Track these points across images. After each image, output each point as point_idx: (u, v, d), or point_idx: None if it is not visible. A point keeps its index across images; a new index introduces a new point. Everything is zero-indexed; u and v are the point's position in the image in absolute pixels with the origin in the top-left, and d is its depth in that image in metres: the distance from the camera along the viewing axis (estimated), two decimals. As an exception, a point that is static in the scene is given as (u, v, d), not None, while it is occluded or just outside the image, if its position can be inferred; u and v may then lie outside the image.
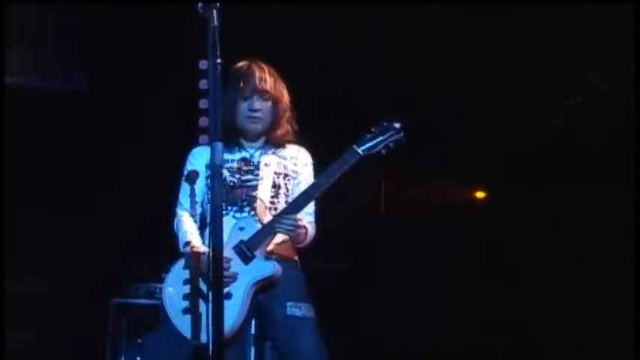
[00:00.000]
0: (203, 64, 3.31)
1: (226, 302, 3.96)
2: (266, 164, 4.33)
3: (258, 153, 4.39)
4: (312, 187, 4.19)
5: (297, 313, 4.16)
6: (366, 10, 6.59)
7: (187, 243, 4.21)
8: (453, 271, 7.39)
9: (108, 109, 7.01)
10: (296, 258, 4.39)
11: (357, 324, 6.86)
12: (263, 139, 4.42)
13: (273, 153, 4.39)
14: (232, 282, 4.10)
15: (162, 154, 4.90)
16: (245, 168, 4.34)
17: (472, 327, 7.28)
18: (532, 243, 7.11)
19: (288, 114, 4.41)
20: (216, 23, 3.27)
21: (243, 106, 4.32)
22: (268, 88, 4.31)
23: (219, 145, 3.21)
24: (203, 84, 3.31)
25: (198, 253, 4.07)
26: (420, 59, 6.99)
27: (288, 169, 4.38)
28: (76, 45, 7.33)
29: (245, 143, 4.41)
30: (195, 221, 4.32)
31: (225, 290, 4.05)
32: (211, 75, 3.23)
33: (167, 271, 4.35)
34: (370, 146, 4.14)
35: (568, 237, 6.89)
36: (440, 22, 6.79)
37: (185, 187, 4.37)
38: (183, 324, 4.08)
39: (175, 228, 4.40)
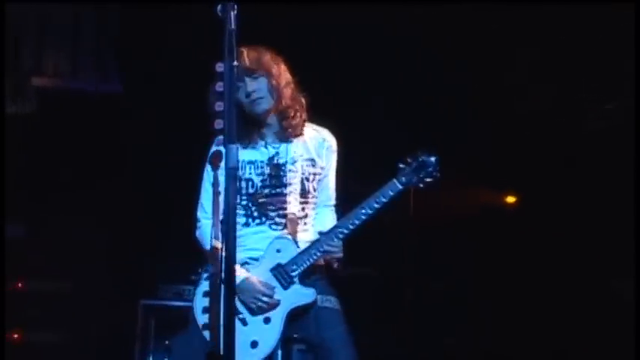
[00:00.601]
0: (220, 67, 3.27)
1: (265, 327, 4.09)
2: (293, 163, 4.25)
3: (283, 147, 4.27)
4: (352, 217, 4.13)
5: (329, 304, 4.18)
6: (392, 9, 6.57)
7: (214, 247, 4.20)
8: (482, 276, 7.33)
9: (140, 110, 7.05)
10: (321, 262, 4.29)
11: (383, 328, 6.83)
12: (276, 121, 4.28)
13: (298, 142, 4.29)
14: (272, 309, 4.12)
15: (185, 155, 4.89)
16: (275, 172, 4.24)
17: (497, 333, 7.23)
18: (561, 248, 7.04)
19: (286, 81, 4.29)
20: (233, 26, 3.26)
21: (241, 95, 4.20)
22: (251, 65, 4.19)
23: (235, 147, 3.18)
24: (219, 86, 3.28)
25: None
26: (454, 62, 6.95)
27: (316, 166, 4.30)
28: (111, 46, 7.39)
29: (265, 133, 4.28)
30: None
31: (265, 315, 4.10)
32: (227, 77, 3.22)
33: (198, 273, 4.36)
34: (408, 181, 4.15)
35: (596, 243, 6.82)
36: (474, 25, 6.76)
37: (207, 187, 4.29)
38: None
39: (198, 236, 4.34)
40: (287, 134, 4.28)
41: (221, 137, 3.29)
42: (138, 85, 7.14)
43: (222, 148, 3.97)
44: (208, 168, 4.29)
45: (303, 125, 4.31)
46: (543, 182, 7.14)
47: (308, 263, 4.14)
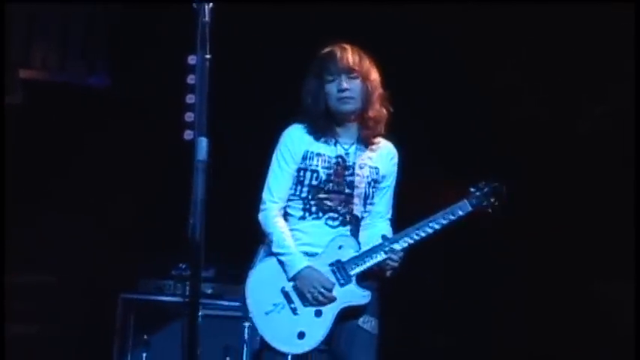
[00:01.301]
0: (192, 60, 3.26)
1: (315, 319, 4.14)
2: (360, 167, 4.27)
3: (353, 149, 4.30)
4: (418, 229, 4.21)
5: (368, 327, 4.21)
6: (385, 9, 6.56)
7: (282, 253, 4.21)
8: (454, 274, 7.31)
9: (128, 103, 7.04)
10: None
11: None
12: (356, 127, 4.32)
13: (367, 150, 4.33)
14: (328, 303, 4.14)
15: (170, 149, 4.88)
16: (341, 170, 4.26)
17: (476, 330, 7.22)
18: (548, 250, 7.02)
19: (379, 91, 4.33)
20: (207, 19, 3.25)
21: (332, 89, 4.24)
22: (353, 65, 4.24)
23: (204, 140, 3.17)
24: (191, 79, 3.26)
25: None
26: (444, 61, 6.93)
27: (378, 175, 4.33)
28: (100, 39, 7.38)
29: (339, 133, 4.31)
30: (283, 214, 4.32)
31: (317, 308, 4.15)
32: (199, 70, 3.20)
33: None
34: (479, 203, 4.32)
35: (584, 245, 6.81)
36: (462, 25, 6.74)
37: (279, 176, 4.31)
38: (264, 326, 4.17)
39: (264, 218, 4.30)
40: (361, 141, 4.33)
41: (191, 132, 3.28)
42: (126, 78, 7.11)
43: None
44: (284, 150, 4.31)
45: (377, 137, 4.37)
46: (531, 184, 7.12)
47: (368, 264, 4.17)
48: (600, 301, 6.84)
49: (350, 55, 4.26)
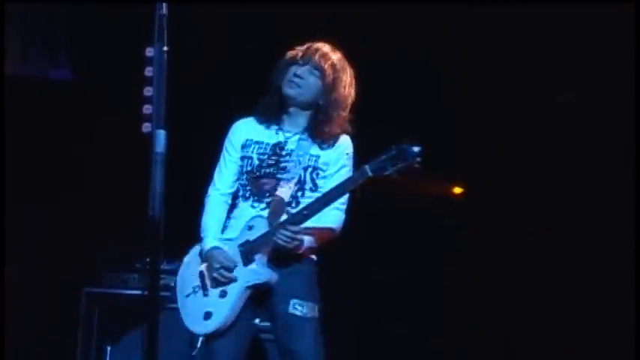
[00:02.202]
0: (149, 52, 3.24)
1: (220, 300, 4.13)
2: (299, 155, 4.23)
3: (295, 138, 4.27)
4: (317, 201, 4.09)
5: (298, 312, 4.13)
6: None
7: (201, 237, 4.29)
8: (430, 267, 7.35)
9: (91, 96, 7.01)
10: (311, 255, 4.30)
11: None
12: (305, 118, 4.29)
13: (312, 141, 4.27)
14: (230, 283, 4.13)
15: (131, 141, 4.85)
16: (274, 156, 4.25)
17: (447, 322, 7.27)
18: (509, 237, 7.08)
19: (341, 111, 4.26)
20: (164, 11, 3.23)
21: (290, 71, 4.24)
22: (323, 65, 4.21)
23: (163, 133, 3.16)
24: (148, 71, 3.24)
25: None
26: (412, 53, 6.94)
27: (318, 162, 4.26)
28: (60, 33, 7.32)
29: (285, 121, 4.31)
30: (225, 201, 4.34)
31: (222, 288, 4.15)
32: (157, 62, 3.18)
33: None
34: (381, 168, 3.97)
35: (544, 231, 6.87)
36: (430, 18, 6.75)
37: (221, 166, 4.36)
38: (182, 309, 4.24)
39: (204, 205, 4.37)
40: (308, 132, 4.27)
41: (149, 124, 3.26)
42: (86, 71, 7.07)
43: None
44: (227, 140, 4.38)
45: (332, 139, 4.28)
46: (492, 173, 7.17)
47: (267, 246, 4.11)
48: (573, 285, 6.90)
49: (325, 56, 4.24)
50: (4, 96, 6.45)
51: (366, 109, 4.14)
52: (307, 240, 4.17)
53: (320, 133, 4.25)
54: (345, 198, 4.24)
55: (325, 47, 4.29)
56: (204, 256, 4.23)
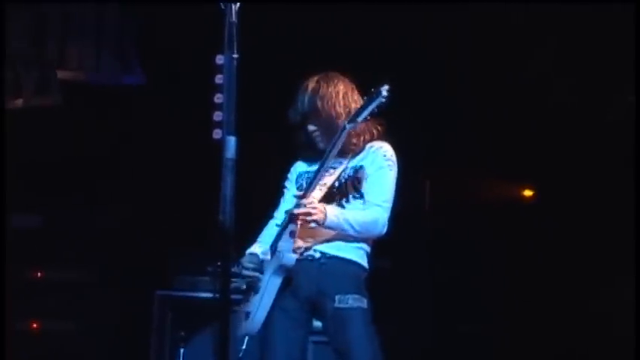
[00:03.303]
0: (219, 59, 3.30)
1: (256, 297, 4.27)
2: (334, 166, 4.31)
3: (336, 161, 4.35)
4: (316, 172, 4.24)
5: (344, 305, 4.19)
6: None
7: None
8: (497, 269, 7.32)
9: (163, 102, 7.11)
10: (349, 256, 4.33)
11: (399, 320, 6.84)
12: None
13: (345, 159, 4.36)
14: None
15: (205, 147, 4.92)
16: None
17: (510, 324, 7.24)
18: (577, 243, 7.01)
19: (338, 114, 4.32)
20: (234, 19, 3.29)
21: (305, 130, 4.41)
22: (309, 109, 4.34)
23: (233, 139, 3.22)
24: (219, 79, 3.30)
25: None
26: (476, 54, 6.94)
27: (355, 168, 4.33)
28: (133, 40, 7.43)
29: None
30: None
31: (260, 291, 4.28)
32: (227, 70, 3.25)
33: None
34: (355, 115, 4.17)
35: (615, 238, 6.78)
36: (494, 19, 6.73)
37: (280, 200, 4.57)
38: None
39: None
40: (344, 153, 4.35)
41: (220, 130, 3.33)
42: (157, 78, 7.17)
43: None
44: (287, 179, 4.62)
45: (362, 145, 4.37)
46: (562, 175, 7.12)
47: (288, 230, 4.24)
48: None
49: (306, 97, 4.36)
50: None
51: (436, 111, 4.17)
52: (334, 215, 4.21)
53: (351, 149, 4.36)
54: (387, 196, 4.31)
55: (303, 89, 4.40)
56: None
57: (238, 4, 3.29)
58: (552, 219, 7.13)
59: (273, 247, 4.32)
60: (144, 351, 6.25)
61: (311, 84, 4.39)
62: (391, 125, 4.39)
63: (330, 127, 4.30)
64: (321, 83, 4.38)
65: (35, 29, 7.16)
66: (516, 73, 6.98)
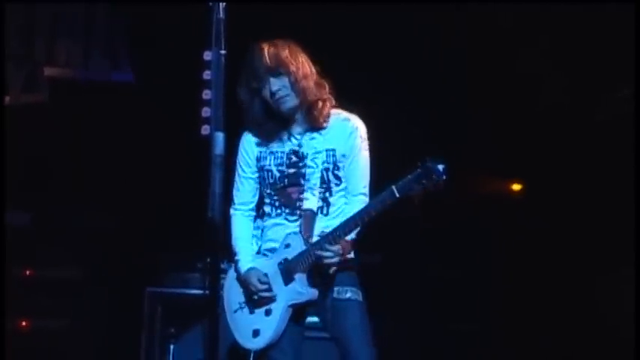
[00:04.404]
0: (207, 55, 3.31)
1: (266, 318, 4.21)
2: (315, 155, 4.24)
3: (306, 138, 4.27)
4: (347, 224, 4.07)
5: (342, 296, 4.19)
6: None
7: (236, 259, 4.33)
8: (488, 265, 7.34)
9: (152, 99, 7.10)
10: (349, 255, 4.29)
11: (391, 316, 6.85)
12: (303, 116, 4.26)
13: (320, 134, 4.27)
14: (271, 302, 4.20)
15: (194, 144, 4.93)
16: (293, 167, 4.27)
17: (500, 321, 7.26)
18: (567, 239, 7.03)
19: (308, 73, 4.25)
20: (221, 15, 3.30)
21: (265, 94, 4.21)
22: (271, 63, 4.17)
23: (221, 135, 3.23)
24: (207, 75, 3.31)
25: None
26: (464, 51, 6.95)
27: (336, 156, 4.26)
28: (121, 37, 7.43)
29: (291, 125, 4.28)
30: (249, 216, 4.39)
31: (266, 307, 4.22)
32: (215, 66, 3.25)
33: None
34: (408, 188, 3.93)
35: (607, 232, 6.80)
36: (486, 17, 6.75)
37: (238, 184, 4.39)
38: (232, 323, 4.30)
39: (229, 226, 4.38)
40: (311, 126, 4.27)
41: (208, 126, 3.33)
42: (145, 75, 7.17)
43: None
44: (239, 157, 4.39)
45: (328, 115, 4.28)
46: (550, 171, 7.13)
47: (306, 264, 4.14)
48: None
49: (266, 55, 4.20)
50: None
51: (426, 108, 4.16)
52: (351, 242, 4.20)
53: (319, 118, 4.25)
54: (367, 180, 4.26)
55: (262, 48, 4.23)
56: (242, 279, 4.27)
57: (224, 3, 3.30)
58: (542, 215, 7.13)
59: (286, 270, 4.21)
60: (134, 348, 6.26)
61: (265, 46, 4.23)
62: (382, 122, 4.38)
63: (297, 80, 4.18)
64: (277, 42, 4.27)
65: (25, 29, 7.17)
66: (506, 70, 6.98)
